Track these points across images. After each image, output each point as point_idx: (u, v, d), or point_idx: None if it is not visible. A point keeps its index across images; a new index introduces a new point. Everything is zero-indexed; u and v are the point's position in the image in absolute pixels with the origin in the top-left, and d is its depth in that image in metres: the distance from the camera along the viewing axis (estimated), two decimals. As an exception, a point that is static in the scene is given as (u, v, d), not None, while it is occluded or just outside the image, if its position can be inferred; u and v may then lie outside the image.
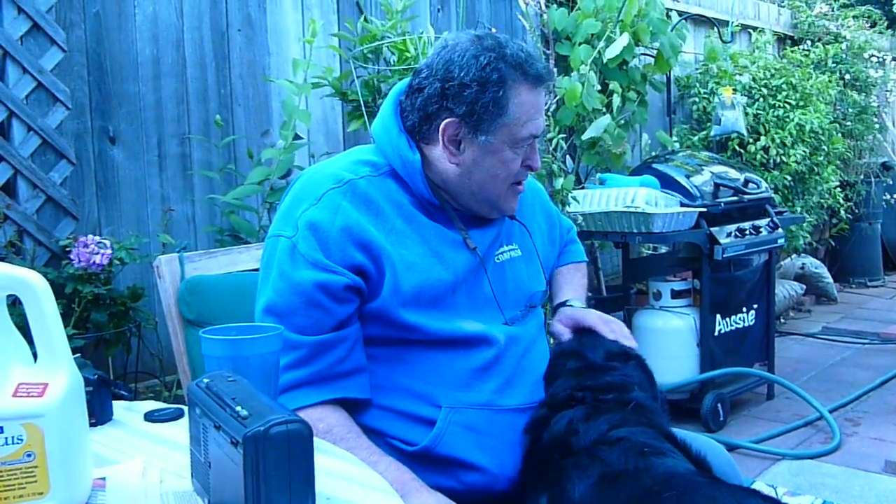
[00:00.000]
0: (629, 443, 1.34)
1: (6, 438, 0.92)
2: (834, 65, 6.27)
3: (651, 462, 1.31)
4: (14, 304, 1.03)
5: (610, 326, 1.64)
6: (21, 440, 0.93)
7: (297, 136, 2.92)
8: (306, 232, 1.39)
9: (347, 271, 1.38)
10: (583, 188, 3.74)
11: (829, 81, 5.79)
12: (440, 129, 1.45)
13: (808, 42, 6.50)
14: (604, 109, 3.72)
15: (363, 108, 3.02)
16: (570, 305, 1.74)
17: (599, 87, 3.75)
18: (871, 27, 6.93)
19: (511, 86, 1.43)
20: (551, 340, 1.72)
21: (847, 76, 6.35)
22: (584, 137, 3.73)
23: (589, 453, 1.34)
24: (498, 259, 1.57)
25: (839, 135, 5.80)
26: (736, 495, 1.19)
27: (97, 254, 2.38)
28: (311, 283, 1.37)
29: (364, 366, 1.42)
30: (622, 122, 3.94)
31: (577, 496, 1.28)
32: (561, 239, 1.86)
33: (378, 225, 1.42)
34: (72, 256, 2.39)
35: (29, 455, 0.94)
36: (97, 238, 2.42)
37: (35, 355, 1.00)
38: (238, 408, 0.92)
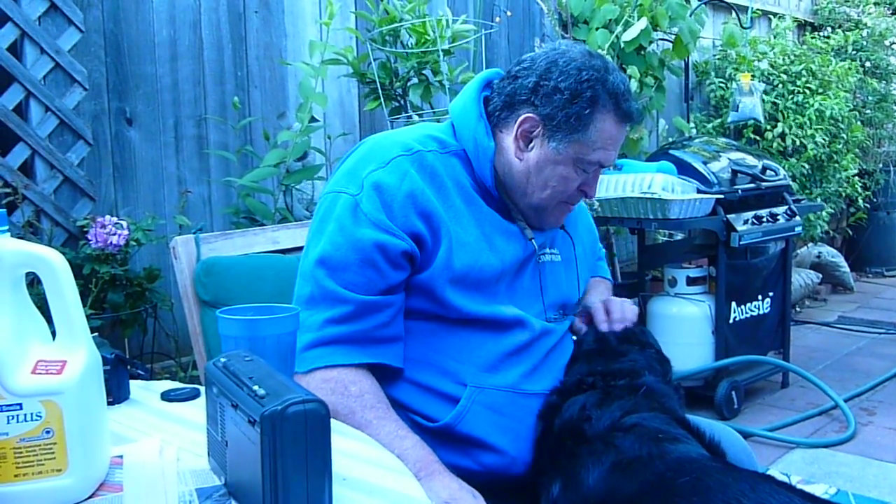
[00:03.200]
0: (643, 429, 1.34)
1: (25, 415, 0.93)
2: (854, 52, 6.20)
3: (665, 448, 1.30)
4: (32, 283, 1.03)
5: (606, 314, 1.64)
6: (40, 417, 0.93)
7: (313, 119, 2.91)
8: (371, 192, 1.39)
9: (407, 237, 1.38)
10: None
11: (849, 68, 5.72)
12: (518, 120, 1.46)
13: (829, 28, 6.43)
14: (643, 111, 3.69)
15: (380, 91, 3.01)
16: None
17: (617, 72, 3.72)
18: (893, 14, 6.85)
19: (600, 109, 1.44)
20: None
21: (867, 63, 6.28)
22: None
23: (603, 440, 1.33)
24: (540, 260, 1.57)
25: (858, 123, 5.74)
26: (749, 480, 1.18)
27: (114, 234, 2.38)
28: (370, 242, 1.37)
29: (402, 335, 1.42)
30: (639, 107, 3.91)
31: (590, 482, 1.28)
32: (594, 256, 1.89)
33: (440, 198, 1.43)
34: (89, 237, 2.40)
35: (48, 432, 0.94)
36: (114, 219, 2.43)
37: (53, 333, 1.00)
38: (255, 387, 0.92)
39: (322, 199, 1.47)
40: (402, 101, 3.13)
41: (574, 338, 1.65)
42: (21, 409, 0.93)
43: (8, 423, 0.92)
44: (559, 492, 1.32)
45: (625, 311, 1.64)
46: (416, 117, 2.98)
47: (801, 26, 6.56)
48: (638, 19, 3.69)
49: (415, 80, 3.05)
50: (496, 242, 1.47)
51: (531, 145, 1.47)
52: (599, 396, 1.42)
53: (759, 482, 1.18)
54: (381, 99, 3.02)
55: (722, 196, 3.55)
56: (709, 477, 1.21)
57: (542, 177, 1.47)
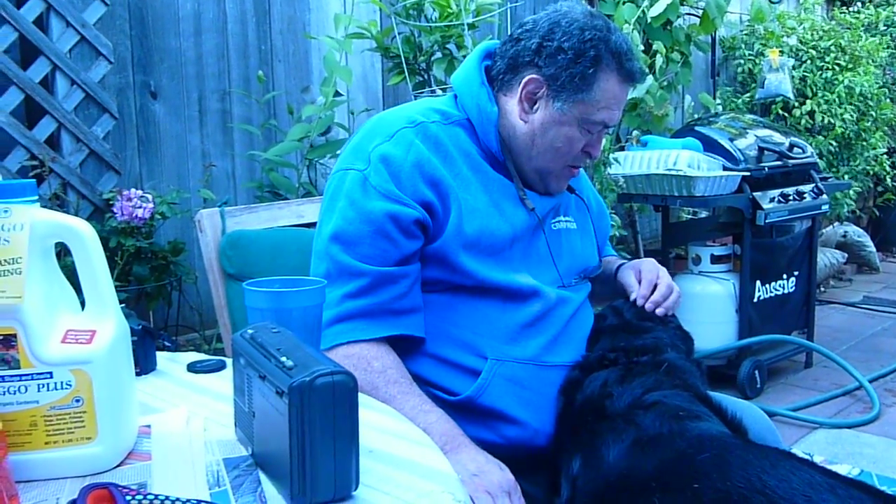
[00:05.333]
0: (664, 406, 1.34)
1: (56, 384, 0.94)
2: (885, 28, 6.09)
3: (686, 426, 1.30)
4: (60, 255, 1.04)
5: (651, 286, 1.63)
6: (70, 385, 0.94)
7: (337, 93, 2.90)
8: (379, 165, 1.40)
9: (418, 205, 1.39)
10: (623, 150, 3.69)
11: (880, 44, 5.63)
12: (522, 81, 1.47)
13: (859, 4, 6.32)
14: (646, 70, 3.65)
15: (404, 65, 2.99)
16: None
17: (643, 47, 3.68)
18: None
19: (603, 69, 1.44)
20: (595, 307, 1.71)
21: (898, 40, 6.17)
22: (625, 98, 3.66)
23: (624, 417, 1.33)
24: (554, 227, 1.58)
25: (888, 100, 5.65)
26: (770, 457, 1.18)
27: (139, 207, 2.40)
28: (382, 213, 1.37)
29: (421, 305, 1.43)
30: (665, 83, 3.86)
31: (611, 459, 1.28)
32: (607, 222, 1.87)
33: (447, 166, 1.43)
34: (115, 210, 2.41)
35: (77, 400, 0.95)
36: (139, 192, 2.44)
37: (83, 303, 1.01)
38: (283, 358, 0.92)
39: (331, 178, 1.48)
40: (426, 76, 3.11)
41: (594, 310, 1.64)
42: (51, 377, 0.93)
43: (38, 391, 0.93)
44: (579, 468, 1.32)
45: (670, 297, 1.63)
46: (439, 92, 2.96)
47: (831, 1, 6.45)
48: (665, -6, 3.64)
49: (439, 54, 3.02)
50: (505, 209, 1.47)
51: (535, 107, 1.47)
52: (621, 373, 1.42)
53: (780, 459, 1.18)
54: (406, 73, 3.01)
55: (748, 173, 3.51)
56: (729, 453, 1.21)
57: (546, 138, 1.48)
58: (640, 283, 1.65)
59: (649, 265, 1.69)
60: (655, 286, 1.64)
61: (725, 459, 1.18)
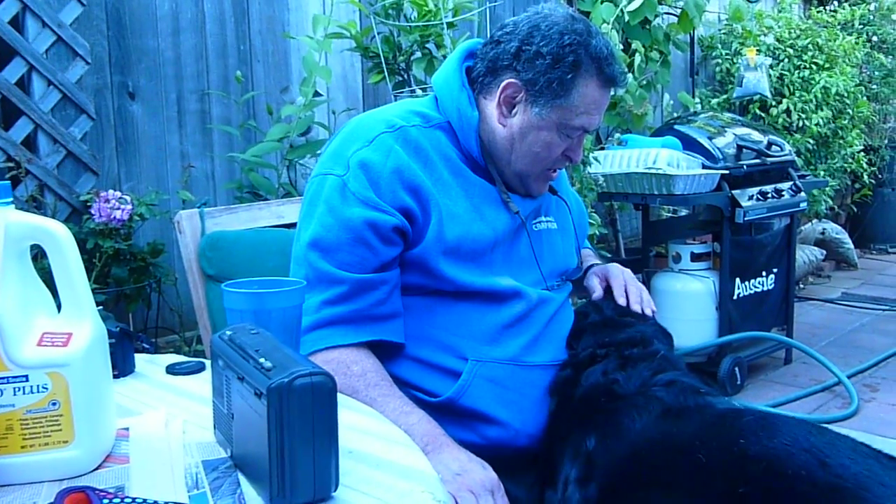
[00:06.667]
0: (682, 384, 1.35)
1: (31, 387, 0.93)
2: (861, 26, 6.15)
3: (709, 400, 1.30)
4: (37, 258, 1.03)
5: (623, 288, 1.65)
6: (46, 389, 0.93)
7: (316, 93, 2.89)
8: (358, 171, 1.39)
9: (397, 212, 1.38)
10: (603, 149, 3.70)
11: (856, 43, 5.68)
12: (501, 85, 1.46)
13: (835, 2, 6.37)
14: (625, 69, 3.66)
15: (384, 65, 2.99)
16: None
17: (622, 47, 3.70)
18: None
19: (582, 74, 1.44)
20: (575, 301, 1.73)
21: (874, 38, 6.23)
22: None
23: (643, 395, 1.33)
24: (535, 227, 1.58)
25: (864, 98, 5.70)
26: (812, 425, 1.18)
27: (118, 209, 2.38)
28: (360, 220, 1.37)
29: (401, 311, 1.42)
30: (644, 82, 3.88)
31: (638, 428, 1.27)
32: (586, 221, 1.89)
33: (427, 172, 1.43)
34: (93, 211, 2.39)
35: (54, 404, 0.94)
36: (118, 193, 2.42)
37: (59, 306, 1.00)
38: (262, 360, 0.92)
39: (310, 184, 1.47)
40: (406, 76, 3.11)
41: (574, 307, 1.65)
42: (27, 380, 0.93)
43: (14, 394, 0.92)
44: (595, 444, 1.30)
45: (643, 296, 1.65)
46: (419, 91, 2.96)
47: (807, 0, 6.50)
48: (643, -8, 3.66)
49: (418, 53, 3.02)
50: (486, 212, 1.47)
51: (514, 111, 1.47)
52: (619, 362, 1.43)
53: (822, 427, 1.18)
54: (385, 73, 3.01)
55: (727, 171, 3.53)
56: (773, 417, 1.21)
57: (525, 143, 1.47)
58: (605, 287, 1.68)
59: (615, 270, 1.71)
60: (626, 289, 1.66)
61: (770, 421, 1.18)
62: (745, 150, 3.70)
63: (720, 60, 5.30)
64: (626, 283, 1.67)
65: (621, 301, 1.63)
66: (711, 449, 1.16)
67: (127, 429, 1.09)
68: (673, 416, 1.27)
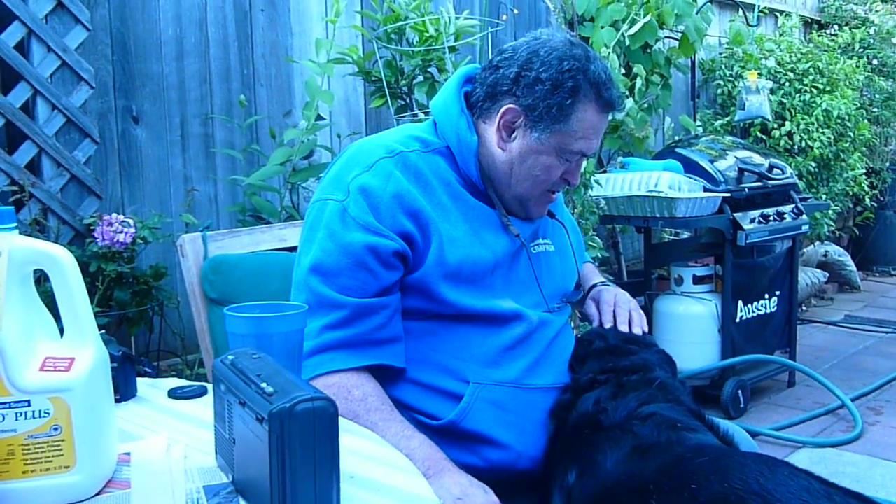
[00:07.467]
0: (660, 417, 1.35)
1: (33, 412, 0.93)
2: (861, 50, 6.19)
3: (682, 435, 1.31)
4: (39, 281, 1.03)
5: (611, 313, 1.66)
6: (48, 414, 0.93)
7: (319, 117, 2.91)
8: (358, 196, 1.40)
9: (397, 237, 1.38)
10: (605, 172, 3.71)
11: (857, 66, 5.70)
12: (500, 111, 1.47)
13: (836, 26, 6.41)
14: (627, 93, 3.68)
15: (386, 89, 3.01)
16: (606, 286, 1.78)
17: (623, 71, 3.72)
18: (900, 11, 6.82)
19: (581, 100, 1.45)
20: (573, 325, 1.74)
21: (874, 61, 6.26)
22: (606, 121, 3.69)
23: (621, 428, 1.34)
24: (534, 250, 1.58)
25: (865, 121, 5.72)
26: (768, 463, 1.18)
27: (121, 232, 2.39)
28: (361, 245, 1.37)
29: (401, 335, 1.42)
30: (645, 105, 3.90)
31: (609, 466, 1.28)
32: (583, 244, 1.92)
33: (426, 196, 1.43)
34: (96, 234, 2.40)
35: (56, 429, 0.94)
36: (121, 217, 2.43)
37: (61, 330, 1.00)
38: (263, 384, 0.92)
39: (310, 209, 1.48)
40: (408, 100, 3.13)
41: (575, 330, 1.66)
42: (29, 405, 0.93)
43: (16, 419, 0.92)
44: (575, 479, 1.32)
45: (633, 317, 1.66)
46: (421, 115, 2.97)
47: (808, 24, 6.54)
48: (644, 17, 3.69)
49: (420, 77, 3.04)
50: (485, 236, 1.47)
51: (513, 136, 1.48)
52: (613, 390, 1.44)
53: (778, 465, 1.18)
54: (388, 97, 3.02)
55: (728, 194, 3.54)
56: (727, 458, 1.22)
57: (524, 167, 1.48)
58: (600, 313, 1.69)
59: (607, 296, 1.72)
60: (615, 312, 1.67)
61: (724, 463, 1.19)
62: (746, 173, 3.71)
63: (721, 83, 5.32)
64: (615, 306, 1.67)
65: (607, 325, 1.64)
66: (664, 493, 1.18)
67: (128, 453, 1.09)
68: (639, 455, 1.28)
